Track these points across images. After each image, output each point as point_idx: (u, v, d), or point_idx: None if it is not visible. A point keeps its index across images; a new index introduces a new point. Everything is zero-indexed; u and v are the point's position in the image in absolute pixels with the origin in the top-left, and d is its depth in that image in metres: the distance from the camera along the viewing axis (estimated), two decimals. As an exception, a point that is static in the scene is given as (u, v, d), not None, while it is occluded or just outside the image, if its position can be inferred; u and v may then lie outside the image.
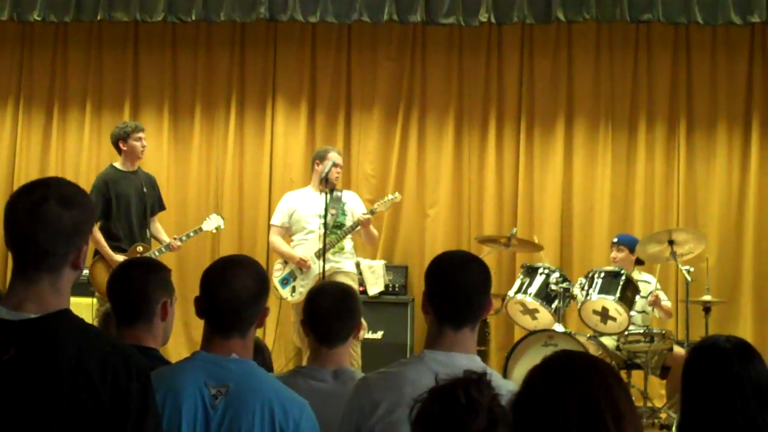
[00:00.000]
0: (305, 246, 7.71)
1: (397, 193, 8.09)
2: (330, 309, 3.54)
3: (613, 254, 7.95)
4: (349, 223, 7.74)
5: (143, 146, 7.67)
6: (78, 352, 2.23)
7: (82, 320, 2.36)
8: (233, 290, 2.89)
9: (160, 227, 7.85)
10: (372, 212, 7.81)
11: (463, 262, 3.07)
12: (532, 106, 9.29)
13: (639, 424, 2.01)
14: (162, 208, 7.95)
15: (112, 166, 7.70)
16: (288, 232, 7.91)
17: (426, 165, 9.35)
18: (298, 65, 9.48)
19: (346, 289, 3.76)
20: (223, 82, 9.54)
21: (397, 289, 8.84)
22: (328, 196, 7.33)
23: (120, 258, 7.17)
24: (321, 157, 7.83)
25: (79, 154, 9.55)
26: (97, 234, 7.29)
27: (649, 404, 7.35)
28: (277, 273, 7.78)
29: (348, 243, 7.81)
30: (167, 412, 2.75)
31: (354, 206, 7.88)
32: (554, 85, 9.27)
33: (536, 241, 8.35)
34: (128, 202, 7.55)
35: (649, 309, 7.76)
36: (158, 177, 9.27)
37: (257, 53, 9.53)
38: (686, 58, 9.16)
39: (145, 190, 7.67)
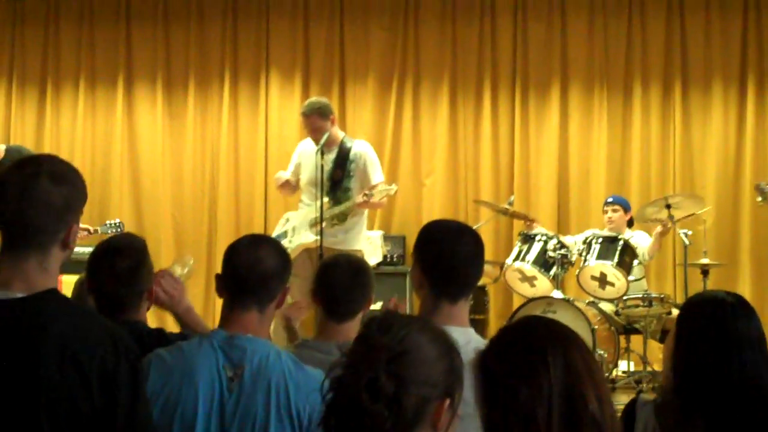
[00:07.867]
0: (304, 211, 7.40)
1: (394, 185, 7.51)
2: (342, 284, 3.48)
3: (609, 215, 7.95)
4: (353, 185, 7.33)
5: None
6: (63, 333, 2.20)
7: (69, 300, 2.34)
8: (257, 258, 2.87)
9: None
10: (366, 195, 7.24)
11: (457, 234, 3.02)
12: (526, 72, 9.24)
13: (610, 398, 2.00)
14: None
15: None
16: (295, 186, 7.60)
17: (421, 134, 9.31)
18: (291, 36, 9.41)
19: (360, 264, 3.67)
20: (216, 55, 9.47)
21: (395, 259, 8.82)
22: (322, 157, 7.09)
23: None
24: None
25: (74, 131, 9.49)
26: None
27: (648, 368, 7.37)
28: (275, 229, 7.49)
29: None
30: (183, 395, 2.73)
31: (362, 167, 7.40)
32: (548, 50, 9.21)
33: (533, 220, 8.12)
34: None
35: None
36: (153, 152, 9.34)
37: (250, 25, 9.46)
38: (680, 18, 9.10)
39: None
